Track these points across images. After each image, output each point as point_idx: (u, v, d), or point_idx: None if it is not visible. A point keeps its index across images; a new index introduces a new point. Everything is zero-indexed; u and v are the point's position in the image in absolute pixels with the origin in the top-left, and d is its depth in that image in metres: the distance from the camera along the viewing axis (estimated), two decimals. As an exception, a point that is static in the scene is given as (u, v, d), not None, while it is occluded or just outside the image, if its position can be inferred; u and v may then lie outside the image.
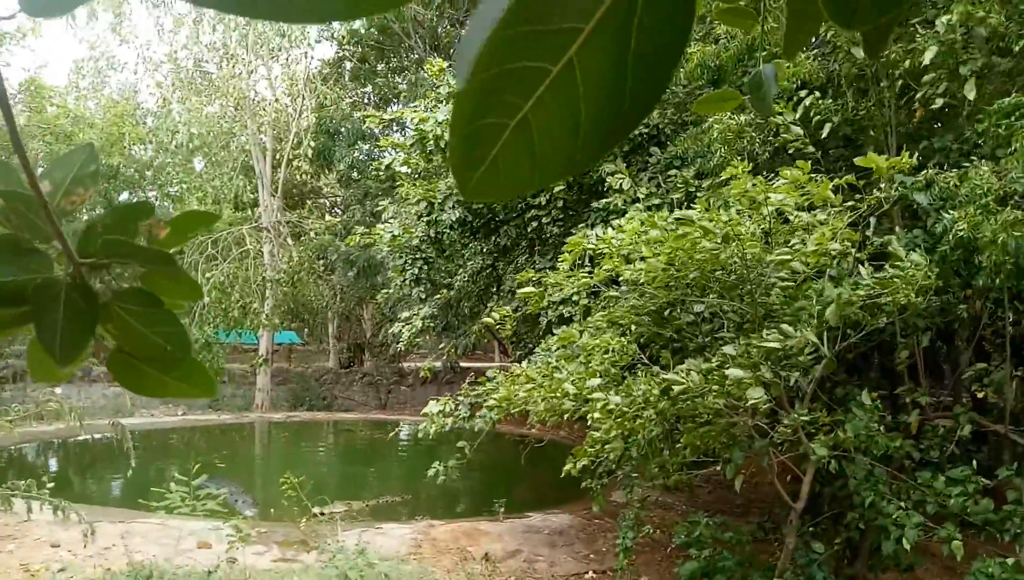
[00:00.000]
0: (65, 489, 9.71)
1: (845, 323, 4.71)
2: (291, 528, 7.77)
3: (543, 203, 8.75)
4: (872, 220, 5.22)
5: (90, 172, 0.87)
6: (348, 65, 24.22)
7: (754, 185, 4.67)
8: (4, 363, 19.16)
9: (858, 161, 4.68)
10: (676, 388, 4.24)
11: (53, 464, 14.68)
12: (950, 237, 4.92)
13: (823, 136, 5.67)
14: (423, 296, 11.61)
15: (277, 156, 23.37)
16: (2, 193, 0.80)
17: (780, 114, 5.33)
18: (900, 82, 5.71)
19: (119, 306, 0.83)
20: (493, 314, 5.99)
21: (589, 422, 5.00)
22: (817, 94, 5.77)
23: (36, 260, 0.81)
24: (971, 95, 4.94)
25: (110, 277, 0.85)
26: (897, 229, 5.50)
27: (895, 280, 4.32)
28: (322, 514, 7.70)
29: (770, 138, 6.20)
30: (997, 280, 4.77)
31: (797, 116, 5.72)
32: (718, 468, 6.39)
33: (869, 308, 4.60)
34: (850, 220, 4.99)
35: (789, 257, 4.52)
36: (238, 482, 11.48)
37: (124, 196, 27.89)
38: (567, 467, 5.50)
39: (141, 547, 6.82)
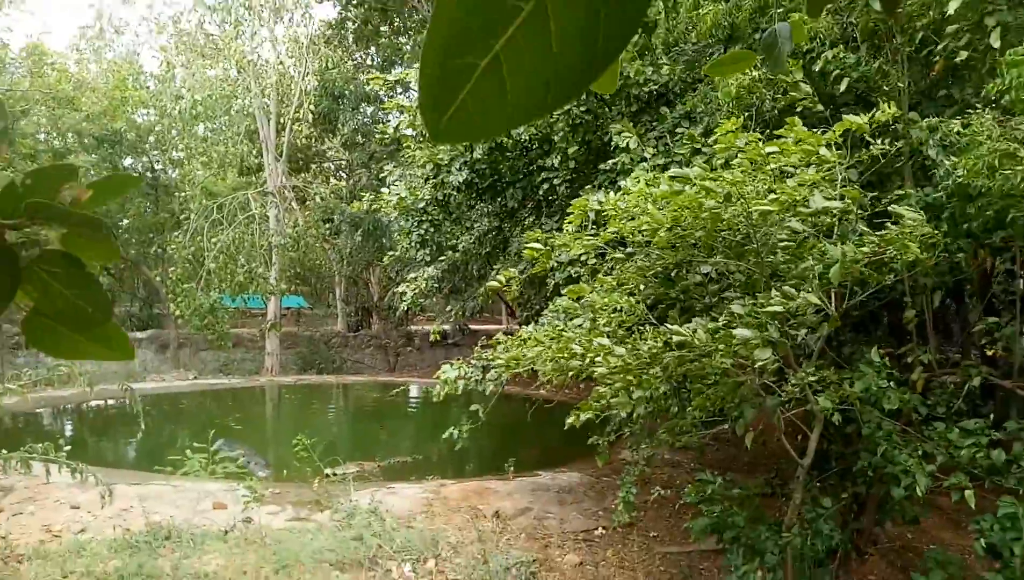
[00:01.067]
0: (80, 452, 9.86)
1: (852, 281, 4.69)
2: (304, 489, 7.90)
3: (554, 165, 8.68)
4: (853, 176, 5.15)
5: (0, 129, 0.85)
6: (351, 26, 23.87)
7: (747, 142, 4.62)
8: (17, 329, 19.33)
9: (837, 126, 4.61)
10: (676, 339, 4.24)
11: (68, 428, 14.91)
12: (948, 183, 4.89)
13: (840, 91, 5.60)
14: (428, 258, 11.62)
15: (281, 120, 23.19)
16: None
17: (789, 72, 5.25)
18: (920, 35, 5.60)
19: (40, 268, 0.82)
20: (499, 277, 5.95)
21: (595, 380, 5.02)
22: (838, 49, 5.68)
23: None
24: (996, 44, 4.85)
25: (30, 239, 0.83)
26: (908, 187, 5.45)
27: (900, 237, 4.28)
28: (334, 475, 7.82)
29: (779, 96, 6.13)
30: (993, 227, 4.74)
31: (818, 69, 5.62)
32: (725, 427, 6.44)
33: (876, 265, 4.57)
34: (847, 178, 4.93)
35: (771, 208, 4.45)
36: (250, 445, 11.64)
37: (128, 161, 27.80)
38: (570, 420, 5.55)
39: (158, 508, 6.95)
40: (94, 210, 0.87)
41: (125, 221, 26.51)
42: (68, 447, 6.89)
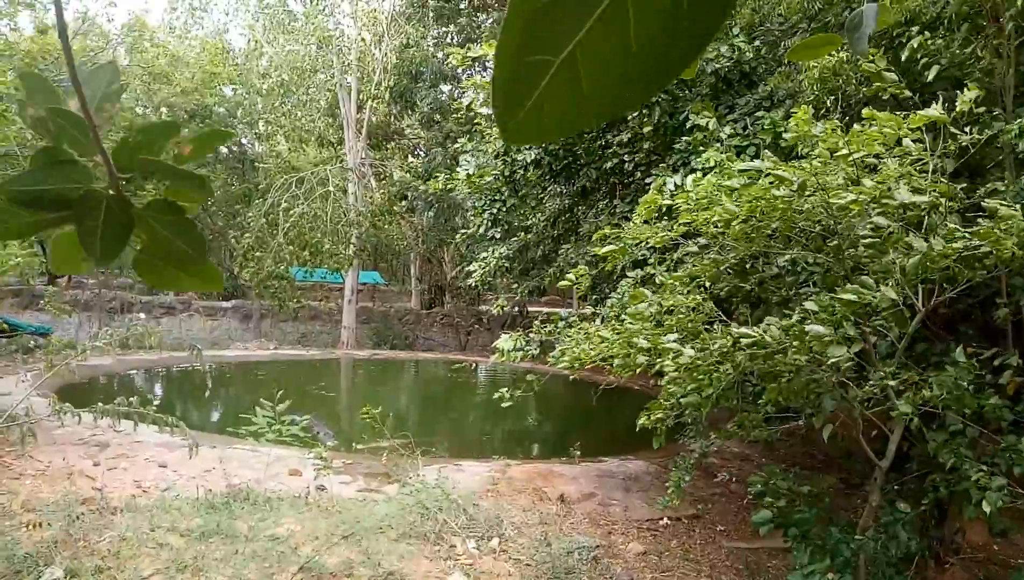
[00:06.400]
0: (167, 413, 10.37)
1: (940, 277, 4.44)
2: (374, 461, 8.12)
3: (626, 141, 8.54)
4: (941, 166, 4.82)
5: (115, 89, 0.97)
6: (432, 3, 23.98)
7: (823, 130, 4.42)
8: (112, 295, 20.47)
9: (913, 119, 4.33)
10: (744, 341, 4.12)
11: (158, 390, 15.74)
12: None
13: (929, 79, 5.27)
14: (499, 237, 11.64)
15: (361, 96, 23.56)
16: (52, 111, 0.90)
17: (871, 61, 4.94)
18: (1011, 24, 5.21)
19: (148, 215, 0.94)
20: (569, 275, 5.93)
21: (664, 376, 4.94)
22: (927, 33, 5.34)
23: (76, 171, 0.90)
24: None
25: (139, 188, 0.98)
26: (1009, 178, 5.11)
27: (995, 231, 4.01)
28: (401, 450, 8.00)
29: (863, 81, 5.82)
30: None
31: (904, 57, 5.31)
32: (800, 423, 6.26)
33: (967, 262, 4.30)
34: (943, 169, 4.65)
35: (851, 202, 4.26)
36: (321, 414, 12.02)
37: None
38: (641, 421, 5.47)
39: (237, 471, 7.28)
40: (197, 160, 1.00)
41: (214, 193, 27.60)
42: (156, 404, 7.29)
